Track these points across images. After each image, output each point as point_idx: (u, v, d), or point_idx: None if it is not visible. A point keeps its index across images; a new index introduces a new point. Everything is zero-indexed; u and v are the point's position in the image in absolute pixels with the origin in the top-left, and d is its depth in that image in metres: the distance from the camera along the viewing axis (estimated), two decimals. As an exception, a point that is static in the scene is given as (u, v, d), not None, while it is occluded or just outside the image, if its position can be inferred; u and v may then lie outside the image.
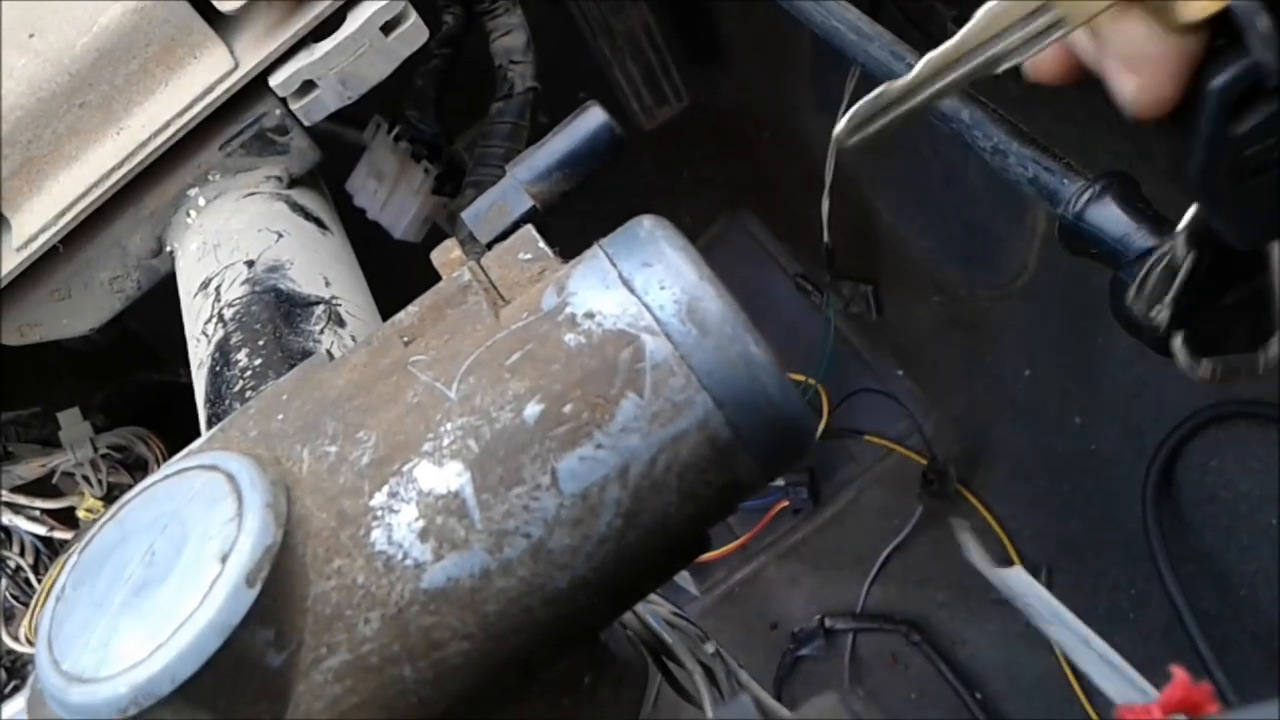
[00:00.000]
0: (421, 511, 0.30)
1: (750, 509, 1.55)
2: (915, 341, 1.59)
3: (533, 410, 0.30)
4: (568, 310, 0.31)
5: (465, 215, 0.36)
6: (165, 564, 0.30)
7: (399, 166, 0.97)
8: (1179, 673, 0.25)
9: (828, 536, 1.59)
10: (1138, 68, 0.32)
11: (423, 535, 0.30)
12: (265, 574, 0.29)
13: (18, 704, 0.33)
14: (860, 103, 0.34)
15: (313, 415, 0.33)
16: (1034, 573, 1.46)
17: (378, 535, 0.30)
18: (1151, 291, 0.38)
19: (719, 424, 0.30)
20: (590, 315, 0.31)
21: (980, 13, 0.31)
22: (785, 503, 1.56)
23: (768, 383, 0.30)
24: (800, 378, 1.51)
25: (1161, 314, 0.39)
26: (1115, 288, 0.42)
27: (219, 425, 0.35)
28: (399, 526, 0.30)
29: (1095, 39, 0.33)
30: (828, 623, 1.56)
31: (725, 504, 0.31)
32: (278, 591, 0.29)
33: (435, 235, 1.03)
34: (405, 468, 0.30)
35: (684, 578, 1.59)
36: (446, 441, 0.30)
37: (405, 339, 0.34)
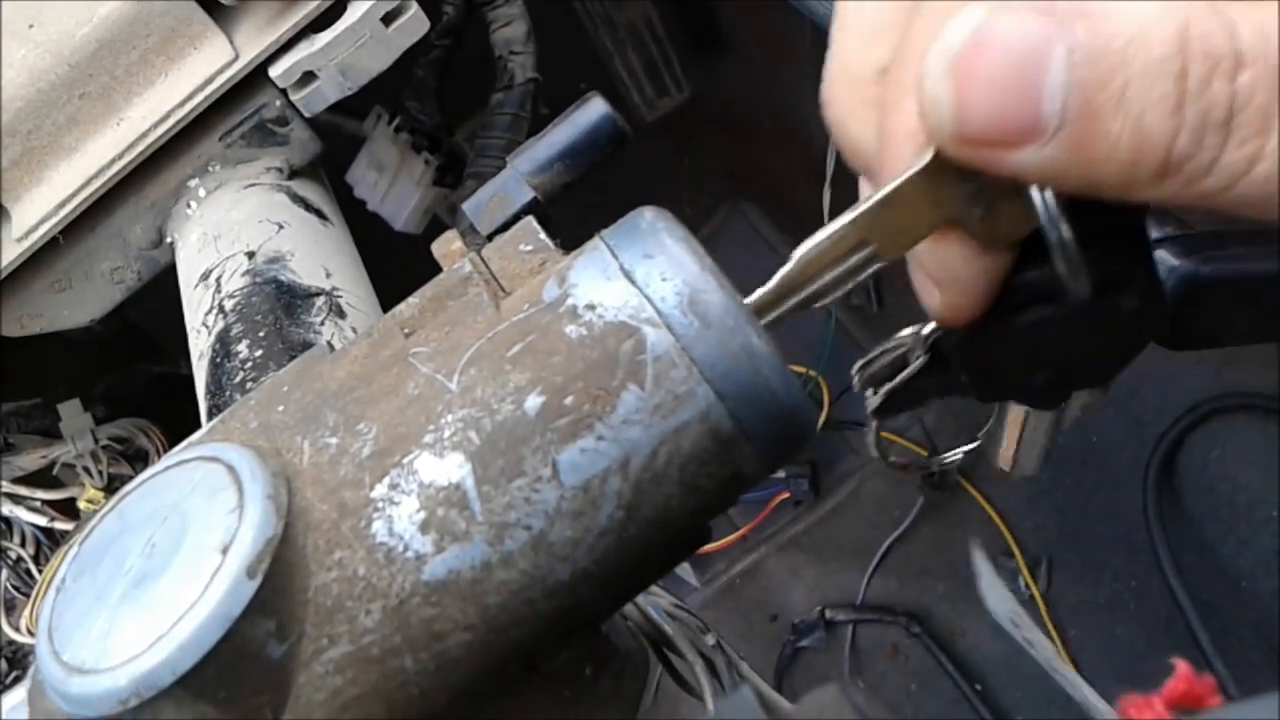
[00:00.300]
0: (422, 503, 0.30)
1: (751, 501, 1.56)
2: (916, 333, 1.59)
3: (534, 402, 0.30)
4: (569, 302, 0.31)
5: (466, 206, 0.36)
6: (166, 555, 0.30)
7: (399, 158, 0.97)
8: (1182, 666, 0.25)
9: (828, 528, 1.59)
10: (945, 286, 0.32)
11: (424, 527, 0.30)
12: (266, 566, 0.29)
13: (18, 695, 0.33)
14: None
15: (313, 407, 0.33)
16: (1034, 565, 1.47)
17: (379, 527, 0.30)
18: (873, 375, 0.39)
19: (721, 416, 0.30)
20: (591, 307, 0.31)
21: (796, 256, 0.31)
22: (786, 494, 1.56)
23: (769, 375, 0.30)
24: (801, 370, 1.51)
25: (871, 399, 0.39)
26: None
27: (219, 417, 0.35)
28: (400, 518, 0.30)
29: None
30: (828, 614, 1.56)
31: (727, 496, 0.31)
32: (279, 583, 0.29)
33: (436, 227, 1.02)
34: (406, 459, 0.30)
35: (684, 569, 1.60)
36: (447, 433, 0.30)
37: (406, 330, 0.34)
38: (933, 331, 0.36)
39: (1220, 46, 0.25)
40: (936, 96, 0.27)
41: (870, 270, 0.32)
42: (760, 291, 0.32)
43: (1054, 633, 1.43)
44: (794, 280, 0.31)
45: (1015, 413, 0.48)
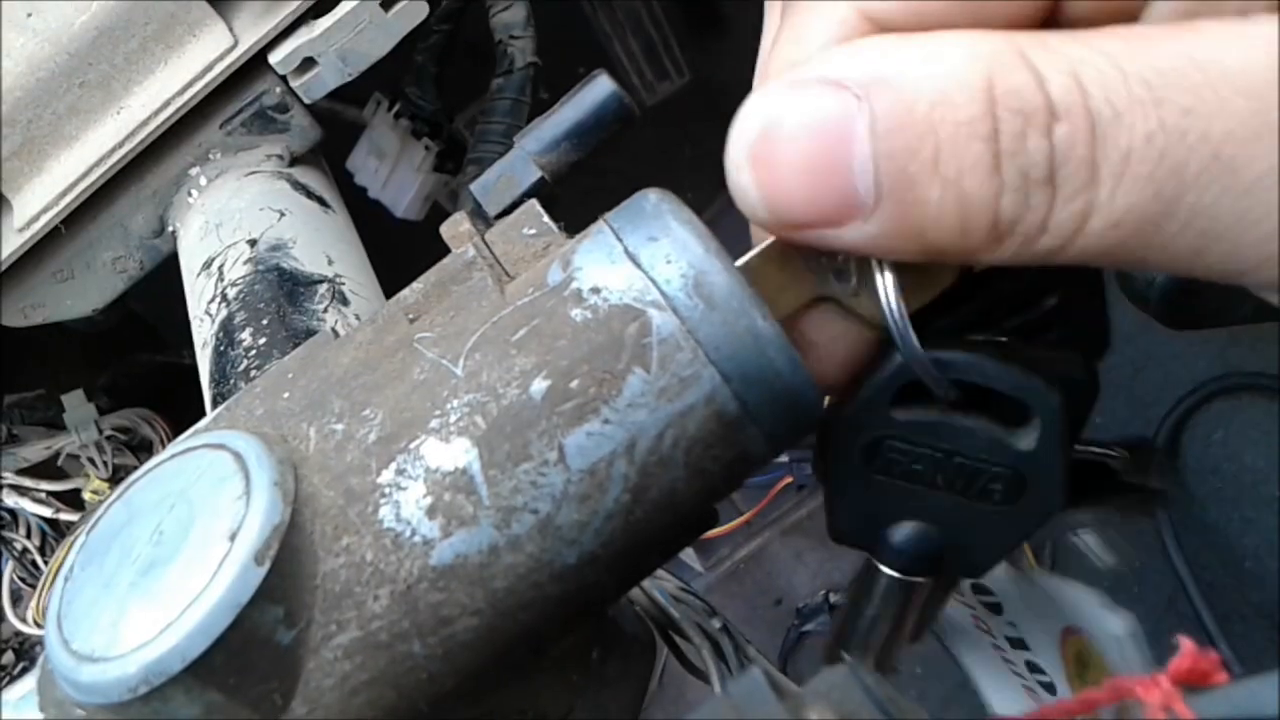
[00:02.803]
0: (429, 488, 0.30)
1: (755, 485, 1.56)
2: (919, 316, 1.59)
3: (539, 386, 0.30)
4: (573, 285, 0.31)
5: (473, 187, 0.36)
6: (173, 543, 0.30)
7: (400, 144, 0.96)
8: (1186, 643, 0.25)
9: (832, 512, 1.59)
10: (805, 351, 0.31)
11: (430, 512, 0.30)
12: (274, 552, 0.29)
13: (27, 684, 0.33)
14: None
15: (319, 393, 0.33)
16: (1038, 546, 1.47)
17: (386, 512, 0.30)
18: None
19: (726, 398, 0.29)
20: (596, 290, 0.30)
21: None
22: (790, 479, 1.56)
23: (775, 356, 0.30)
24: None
25: None
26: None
27: (225, 404, 0.35)
28: (407, 504, 0.30)
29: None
30: (832, 598, 1.56)
31: (733, 478, 0.31)
32: (286, 569, 0.29)
33: (437, 213, 1.02)
34: (412, 445, 0.30)
35: (688, 554, 1.60)
36: (453, 418, 0.30)
37: (410, 316, 0.34)
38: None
39: (1031, 100, 0.24)
40: (743, 187, 0.27)
41: None
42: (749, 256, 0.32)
43: (1058, 614, 1.43)
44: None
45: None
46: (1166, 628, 1.32)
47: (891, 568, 0.36)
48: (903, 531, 0.35)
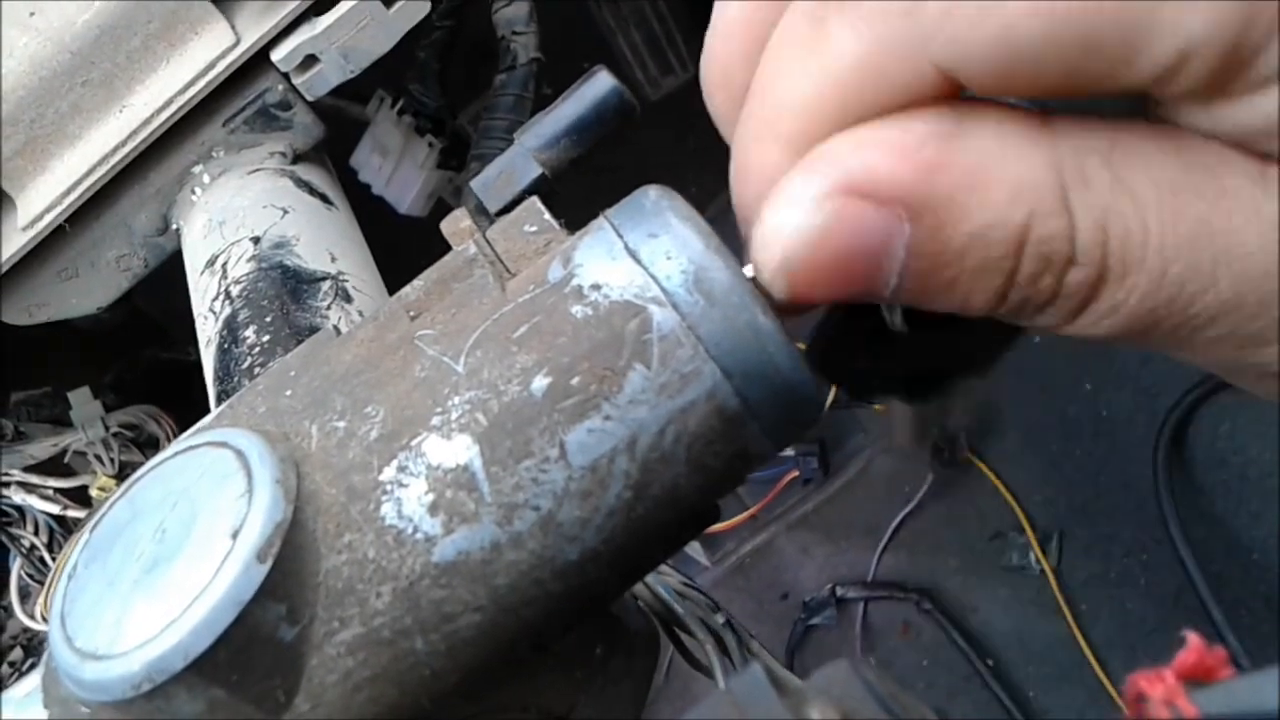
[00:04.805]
0: (431, 485, 0.30)
1: (760, 479, 1.56)
2: (924, 310, 1.59)
3: (540, 383, 0.30)
4: (574, 282, 0.31)
5: (474, 184, 0.36)
6: (176, 541, 0.30)
7: (403, 141, 0.96)
8: (1193, 638, 0.24)
9: (838, 506, 1.60)
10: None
11: (432, 509, 0.30)
12: (276, 549, 0.29)
13: (32, 680, 0.33)
14: None
15: (320, 391, 0.33)
16: (1045, 540, 1.47)
17: (388, 510, 0.30)
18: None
19: (727, 394, 0.29)
20: (597, 287, 0.30)
21: None
22: (795, 473, 1.56)
23: (775, 352, 0.29)
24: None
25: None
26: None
27: (227, 402, 0.35)
28: (409, 500, 0.30)
29: None
30: (839, 592, 1.56)
31: (735, 474, 0.31)
32: (289, 567, 0.29)
33: (441, 210, 1.02)
34: (414, 442, 0.30)
35: (694, 549, 1.60)
36: (455, 415, 0.30)
37: (412, 313, 0.34)
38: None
39: (1058, 250, 0.25)
40: (769, 280, 0.28)
41: None
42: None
43: (1065, 608, 1.43)
44: None
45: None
46: (1174, 620, 1.32)
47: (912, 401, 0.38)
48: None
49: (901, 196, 0.25)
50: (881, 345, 0.34)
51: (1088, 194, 0.25)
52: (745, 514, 1.58)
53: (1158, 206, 0.24)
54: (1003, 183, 0.25)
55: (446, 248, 0.35)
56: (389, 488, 0.30)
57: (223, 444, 0.32)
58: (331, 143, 0.81)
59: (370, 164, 0.98)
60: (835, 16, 0.25)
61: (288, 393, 0.34)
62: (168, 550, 0.30)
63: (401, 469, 0.30)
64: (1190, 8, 0.21)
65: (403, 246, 0.71)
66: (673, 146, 1.60)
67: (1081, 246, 0.25)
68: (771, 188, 0.27)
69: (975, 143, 0.25)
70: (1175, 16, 0.22)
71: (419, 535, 0.30)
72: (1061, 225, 0.25)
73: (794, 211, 0.26)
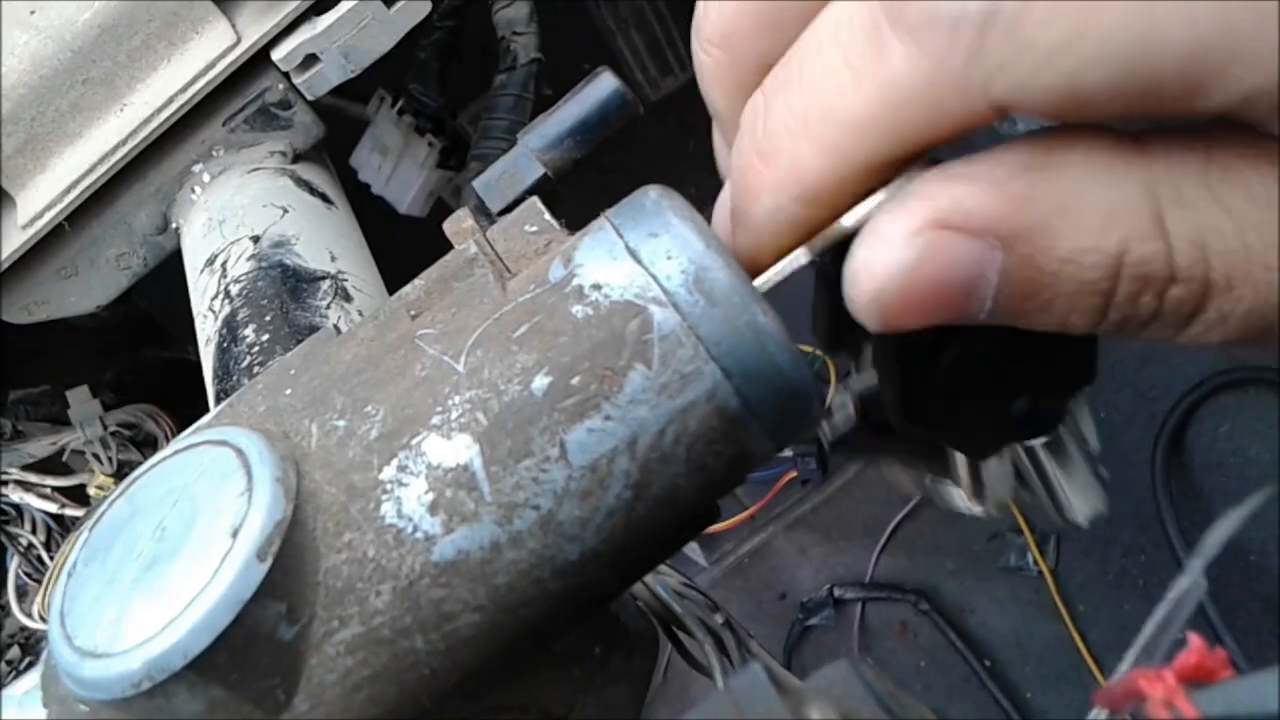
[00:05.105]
0: (431, 484, 0.30)
1: (758, 480, 1.56)
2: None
3: (541, 382, 0.30)
4: (575, 282, 0.31)
5: (477, 184, 0.36)
6: (176, 539, 0.30)
7: (403, 141, 0.96)
8: (1194, 639, 0.25)
9: (836, 507, 1.60)
10: None
11: (432, 508, 0.30)
12: (276, 548, 0.29)
13: (32, 679, 0.33)
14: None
15: (320, 390, 0.33)
16: (1043, 541, 1.47)
17: (387, 509, 0.30)
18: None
19: (727, 394, 0.29)
20: (597, 287, 0.30)
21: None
22: (793, 473, 1.56)
23: (775, 352, 0.30)
24: (808, 349, 1.51)
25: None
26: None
27: (227, 401, 0.35)
28: (408, 500, 0.30)
29: None
30: (837, 592, 1.56)
31: (734, 475, 0.31)
32: (289, 566, 0.29)
33: (440, 210, 1.02)
34: (414, 441, 0.30)
35: (693, 549, 1.60)
36: (455, 415, 0.30)
37: (412, 313, 0.34)
38: (860, 389, 0.35)
39: (1156, 271, 0.25)
40: (860, 312, 0.28)
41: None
42: (767, 275, 0.31)
43: (1063, 609, 1.43)
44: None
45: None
46: (1172, 622, 1.32)
47: (1029, 436, 0.38)
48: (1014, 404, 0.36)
49: (993, 228, 0.26)
50: (972, 380, 0.33)
51: (1185, 214, 0.25)
52: (743, 514, 1.58)
53: (1256, 222, 0.25)
54: (1095, 209, 0.25)
55: (446, 248, 0.35)
56: (389, 487, 0.30)
57: (223, 442, 0.32)
58: (331, 142, 0.81)
59: (370, 163, 0.98)
60: (894, 34, 0.24)
61: (288, 391, 0.34)
62: (167, 548, 0.30)
63: (401, 468, 0.30)
64: (1251, 52, 0.22)
65: (402, 246, 0.71)
66: (672, 148, 1.60)
67: (1180, 266, 0.25)
68: (800, 186, 0.27)
69: (1066, 170, 0.25)
70: (1239, 60, 0.22)
71: (419, 534, 0.30)
72: (1158, 248, 0.25)
73: (885, 249, 0.27)
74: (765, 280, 0.31)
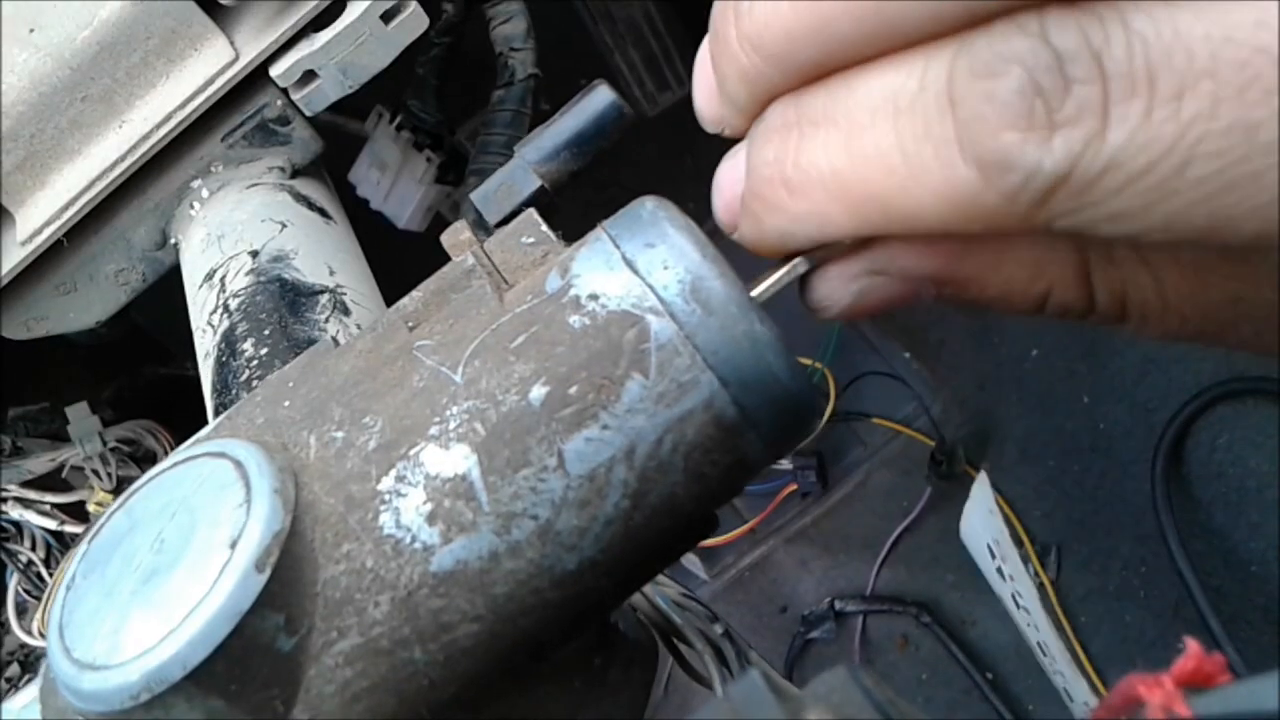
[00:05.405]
0: (429, 495, 0.30)
1: (758, 493, 1.56)
2: (921, 323, 1.59)
3: (538, 392, 0.30)
4: (572, 292, 0.31)
5: (474, 196, 0.36)
6: (175, 551, 0.30)
7: (401, 156, 0.97)
8: (1192, 644, 0.25)
9: (836, 519, 1.59)
10: None
11: (430, 518, 0.30)
12: (274, 559, 0.29)
13: (30, 692, 0.33)
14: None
15: (319, 401, 0.33)
16: (1043, 553, 1.47)
17: (386, 519, 0.30)
18: None
19: (725, 403, 0.30)
20: (594, 297, 0.31)
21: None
22: (793, 486, 1.56)
23: (772, 360, 0.30)
24: (807, 361, 1.51)
25: None
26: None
27: (226, 413, 0.35)
28: (407, 510, 0.30)
29: None
30: (837, 605, 1.56)
31: (732, 484, 0.31)
32: (287, 576, 0.29)
33: (439, 225, 1.03)
34: (412, 452, 0.30)
35: (693, 563, 1.60)
36: (453, 425, 0.30)
37: (410, 324, 0.34)
38: None
39: (1077, 308, 0.28)
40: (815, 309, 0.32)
41: None
42: (765, 284, 0.32)
43: (1064, 620, 1.43)
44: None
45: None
46: (1173, 633, 1.32)
47: None
48: None
49: (927, 277, 0.29)
50: None
51: (1110, 271, 0.27)
52: (744, 527, 1.57)
53: (1181, 281, 0.27)
54: (1023, 265, 0.28)
55: (444, 263, 0.36)
56: (387, 497, 0.30)
57: (221, 454, 0.32)
58: (330, 158, 0.81)
59: (368, 179, 0.98)
60: (963, 159, 0.24)
61: (286, 403, 0.34)
62: (166, 560, 0.30)
63: (400, 479, 0.30)
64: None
65: (401, 262, 0.71)
66: (668, 164, 1.61)
67: (1101, 306, 0.28)
68: (819, 231, 0.28)
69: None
70: None
71: (417, 545, 0.30)
72: (1080, 295, 0.28)
73: (829, 288, 0.31)
74: (763, 290, 0.31)
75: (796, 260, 0.31)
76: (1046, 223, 0.23)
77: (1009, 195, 0.23)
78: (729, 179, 0.31)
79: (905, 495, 1.56)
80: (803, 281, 0.31)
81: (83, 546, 0.33)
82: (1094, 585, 1.43)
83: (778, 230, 0.29)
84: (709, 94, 0.31)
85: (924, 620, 1.51)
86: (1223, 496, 1.28)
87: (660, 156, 1.55)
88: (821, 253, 0.30)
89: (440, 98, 0.97)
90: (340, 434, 0.32)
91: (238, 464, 0.31)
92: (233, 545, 0.29)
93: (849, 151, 0.26)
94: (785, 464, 1.53)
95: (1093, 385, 1.42)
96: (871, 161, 0.25)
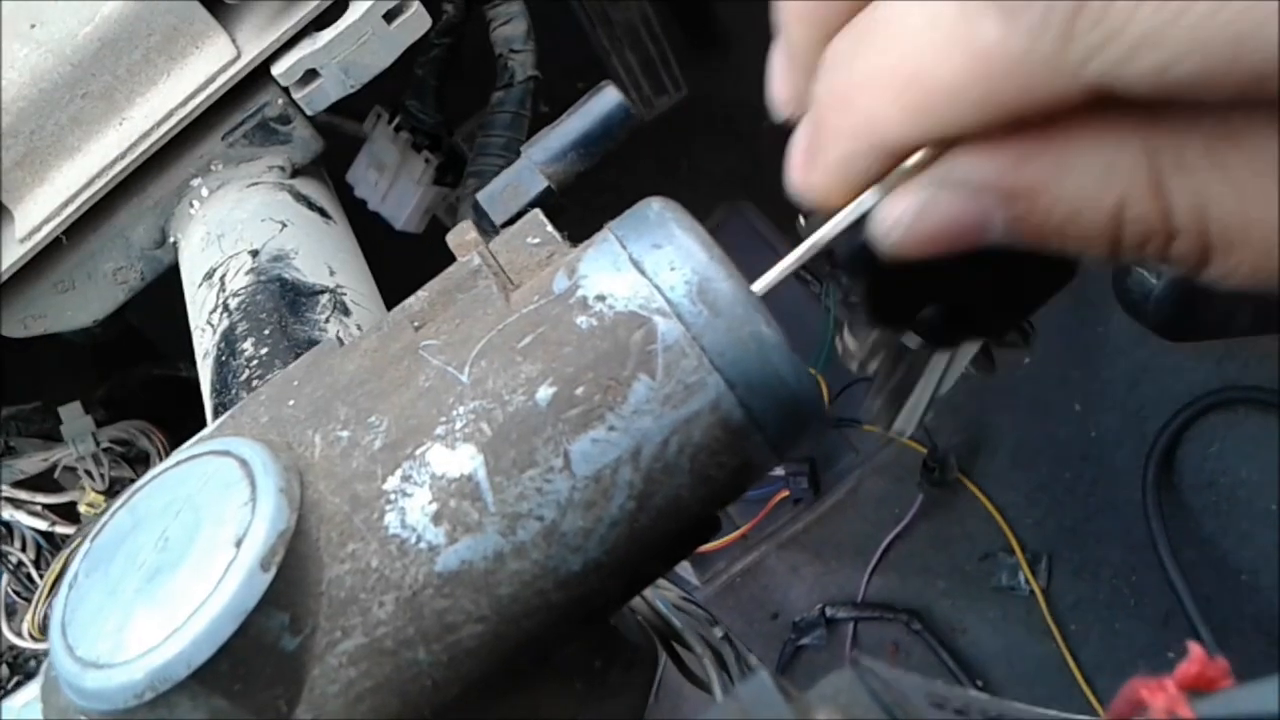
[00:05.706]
0: (435, 495, 0.30)
1: (751, 499, 1.56)
2: (915, 330, 1.59)
3: (545, 393, 0.30)
4: (579, 293, 0.31)
5: (480, 196, 0.36)
6: (179, 549, 0.30)
7: (400, 157, 0.97)
8: (1195, 648, 0.25)
9: (828, 526, 1.59)
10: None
11: (436, 518, 0.30)
12: (280, 558, 0.29)
13: (31, 690, 0.33)
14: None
15: (324, 400, 0.33)
16: (1034, 561, 1.47)
17: (391, 519, 0.30)
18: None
19: (731, 405, 0.30)
20: (601, 298, 0.31)
21: (809, 242, 0.31)
22: (786, 492, 1.56)
23: (779, 362, 0.30)
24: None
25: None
26: (1119, 273, 0.41)
27: (229, 412, 0.35)
28: (412, 510, 0.30)
29: None
30: (829, 612, 1.56)
31: (737, 485, 0.31)
32: (292, 576, 0.29)
33: (436, 226, 1.03)
34: (418, 451, 0.30)
35: (685, 568, 1.60)
36: (459, 425, 0.30)
37: (416, 324, 0.34)
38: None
39: (1155, 228, 0.26)
40: (879, 247, 0.29)
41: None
42: (768, 276, 0.32)
43: (1055, 628, 1.44)
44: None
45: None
46: (1163, 641, 1.32)
47: (926, 343, 0.38)
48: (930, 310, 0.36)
49: (989, 186, 0.27)
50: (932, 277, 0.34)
51: (1185, 179, 0.26)
52: (735, 534, 1.57)
53: (1259, 191, 0.25)
54: (1092, 169, 0.26)
55: (441, 265, 0.35)
56: (393, 497, 0.30)
57: (226, 452, 0.32)
58: (328, 159, 0.81)
59: (366, 180, 0.98)
60: (985, 5, 0.25)
61: (290, 402, 0.34)
62: (170, 558, 0.30)
63: (405, 478, 0.30)
64: None
65: (397, 263, 0.71)
66: (666, 167, 1.61)
67: (1181, 224, 0.26)
68: (877, 138, 0.28)
69: (1066, 131, 0.26)
70: None
71: (422, 544, 0.30)
72: (1156, 207, 0.26)
73: (896, 203, 0.29)
74: (765, 283, 0.31)
75: (863, 195, 0.30)
76: (1079, 69, 0.23)
77: (1033, 33, 0.23)
78: (800, 142, 0.31)
79: (897, 502, 1.56)
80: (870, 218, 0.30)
81: (86, 544, 0.33)
82: (1085, 593, 1.44)
83: (840, 156, 0.29)
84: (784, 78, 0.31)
85: (915, 627, 1.51)
86: (1214, 505, 1.29)
87: (656, 161, 1.56)
88: (889, 178, 0.30)
89: (439, 99, 0.97)
90: (346, 433, 0.32)
91: (243, 462, 0.31)
92: (238, 544, 0.29)
93: (889, 45, 0.27)
94: (777, 470, 1.53)
95: (1085, 393, 1.43)
96: (911, 44, 0.26)
